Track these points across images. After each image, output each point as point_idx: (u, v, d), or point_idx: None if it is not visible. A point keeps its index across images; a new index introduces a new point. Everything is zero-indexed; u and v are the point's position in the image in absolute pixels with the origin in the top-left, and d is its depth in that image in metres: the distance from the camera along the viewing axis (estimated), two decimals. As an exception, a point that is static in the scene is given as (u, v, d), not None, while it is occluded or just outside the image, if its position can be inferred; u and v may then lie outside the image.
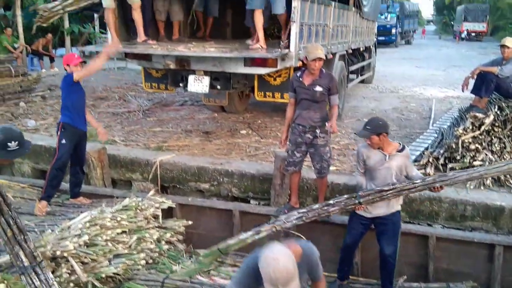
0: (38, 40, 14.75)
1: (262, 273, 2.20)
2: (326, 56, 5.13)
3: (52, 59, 14.49)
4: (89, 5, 6.19)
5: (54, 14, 5.34)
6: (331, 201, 3.95)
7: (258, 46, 5.87)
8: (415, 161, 5.56)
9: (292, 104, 4.52)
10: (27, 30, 14.87)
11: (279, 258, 2.18)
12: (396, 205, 3.80)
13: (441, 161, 5.33)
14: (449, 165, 5.22)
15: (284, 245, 2.32)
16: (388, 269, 3.78)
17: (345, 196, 3.92)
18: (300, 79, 4.36)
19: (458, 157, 5.21)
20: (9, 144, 2.90)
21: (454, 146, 5.26)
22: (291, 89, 4.50)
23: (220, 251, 4.03)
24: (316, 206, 3.99)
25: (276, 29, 8.08)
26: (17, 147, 2.94)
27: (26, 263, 2.80)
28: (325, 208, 3.89)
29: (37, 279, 2.80)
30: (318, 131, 4.33)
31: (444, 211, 4.72)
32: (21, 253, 2.79)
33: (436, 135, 6.47)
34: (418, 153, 5.82)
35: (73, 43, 15.23)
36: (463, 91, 6.04)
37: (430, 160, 5.37)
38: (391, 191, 3.64)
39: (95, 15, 18.33)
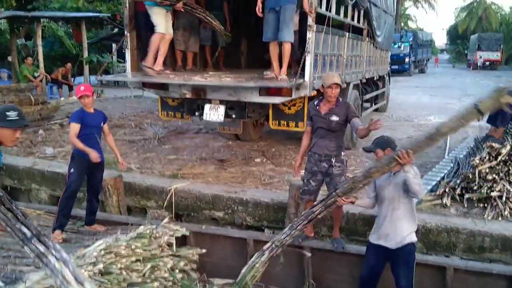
0: (58, 69, 15.20)
1: None
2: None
3: (70, 88, 14.82)
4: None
5: None
6: (315, 203, 4.00)
7: (273, 76, 5.96)
8: (431, 191, 5.51)
9: (308, 133, 4.54)
10: (47, 59, 15.31)
11: None
12: (408, 236, 3.74)
13: (458, 191, 5.27)
14: (466, 195, 5.16)
15: None
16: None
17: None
18: (317, 107, 4.39)
19: (475, 187, 5.14)
20: (7, 113, 2.87)
21: (470, 176, 5.21)
22: (308, 117, 4.54)
23: (240, 286, 3.97)
24: (304, 212, 4.03)
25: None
26: (17, 118, 2.91)
27: (29, 234, 2.52)
28: (311, 210, 3.91)
29: (44, 246, 2.50)
30: (333, 160, 4.33)
31: (462, 243, 4.64)
32: (24, 227, 2.53)
33: (452, 165, 6.41)
34: (434, 182, 5.76)
35: (91, 72, 15.61)
36: (478, 120, 6.00)
37: (447, 190, 5.31)
38: (361, 173, 3.67)
39: (114, 46, 18.86)
